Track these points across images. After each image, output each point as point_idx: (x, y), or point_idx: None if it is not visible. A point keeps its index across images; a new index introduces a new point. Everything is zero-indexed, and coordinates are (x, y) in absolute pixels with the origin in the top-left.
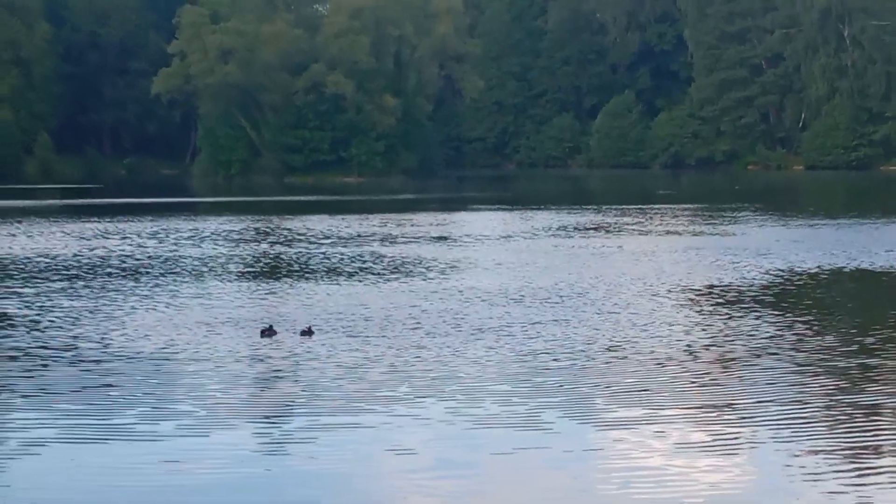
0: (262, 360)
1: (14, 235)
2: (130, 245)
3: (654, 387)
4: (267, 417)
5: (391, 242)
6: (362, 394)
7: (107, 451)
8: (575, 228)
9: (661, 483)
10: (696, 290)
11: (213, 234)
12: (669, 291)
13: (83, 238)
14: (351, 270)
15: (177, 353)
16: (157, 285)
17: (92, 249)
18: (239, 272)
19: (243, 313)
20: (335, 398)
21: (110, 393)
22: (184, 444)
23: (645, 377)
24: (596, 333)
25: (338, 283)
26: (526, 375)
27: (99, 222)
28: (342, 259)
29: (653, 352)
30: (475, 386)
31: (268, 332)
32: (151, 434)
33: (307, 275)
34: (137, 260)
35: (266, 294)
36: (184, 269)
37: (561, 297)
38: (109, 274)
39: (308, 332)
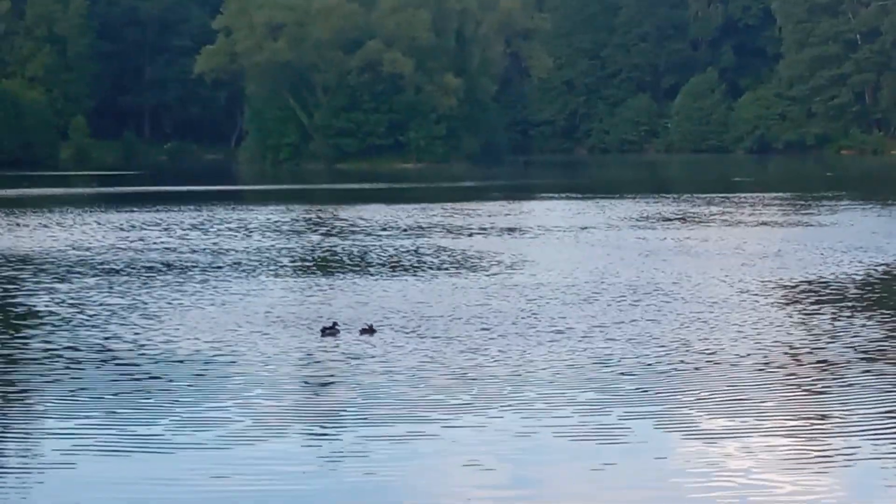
0: (314, 363)
1: (47, 226)
2: (171, 237)
3: (747, 394)
4: (320, 427)
5: (453, 234)
6: (425, 401)
7: (144, 463)
8: (654, 219)
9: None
10: (789, 286)
11: (260, 224)
12: (761, 288)
13: (120, 229)
14: (410, 265)
15: (221, 355)
16: (200, 281)
17: (130, 242)
18: (289, 266)
19: (294, 311)
20: (395, 405)
21: (149, 399)
22: (228, 456)
23: (738, 384)
24: (682, 335)
25: (396, 279)
26: (605, 381)
27: (137, 212)
28: (400, 252)
29: (746, 356)
30: (550, 393)
31: (330, 330)
32: (193, 445)
33: (363, 269)
34: (179, 253)
35: (318, 290)
36: (229, 264)
37: (641, 294)
38: (148, 268)
39: (369, 331)
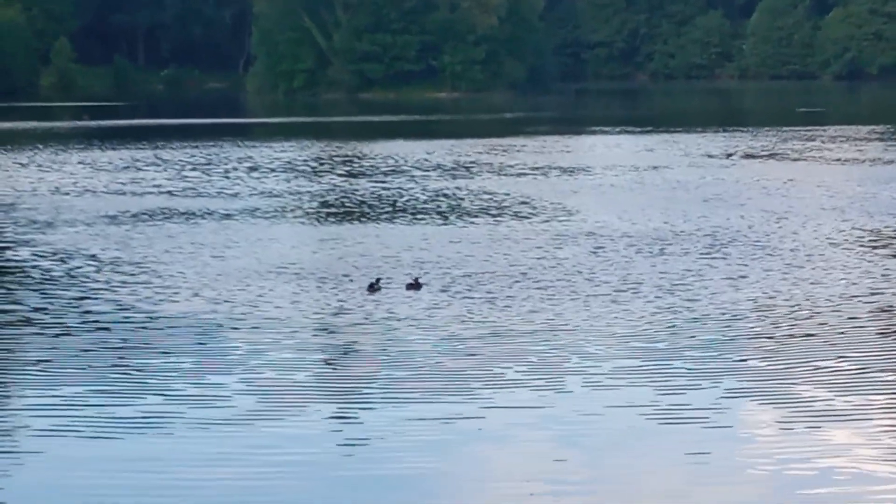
0: (337, 327)
1: (25, 166)
2: (169, 179)
3: (857, 364)
4: (342, 406)
5: (495, 174)
6: (471, 374)
7: (132, 445)
8: (728, 156)
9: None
10: (889, 236)
11: (271, 164)
12: (856, 238)
13: (111, 169)
14: (446, 210)
15: (226, 318)
16: (203, 230)
17: (122, 184)
18: (305, 213)
19: (312, 265)
20: (431, 379)
21: (144, 370)
22: (231, 439)
23: (843, 352)
24: (769, 293)
25: (431, 226)
26: (679, 348)
27: (130, 149)
28: (435, 196)
29: (850, 319)
30: (620, 364)
31: (373, 286)
32: (191, 423)
33: (391, 216)
34: (178, 198)
35: (339, 241)
36: (236, 210)
37: (717, 245)
38: (143, 216)
39: (415, 286)
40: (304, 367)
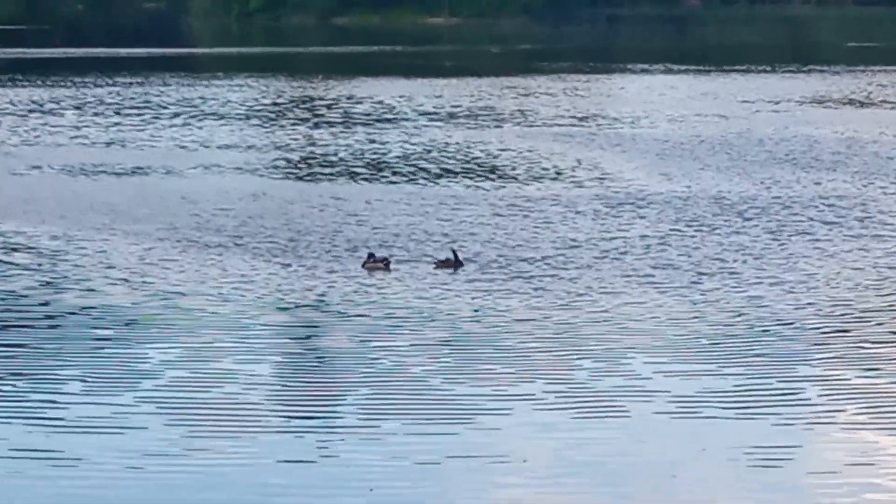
0: (308, 319)
1: None
2: (96, 124)
3: None
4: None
5: (507, 124)
6: (499, 378)
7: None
8: (802, 102)
9: None
10: None
11: (223, 107)
12: None
13: (16, 112)
14: (447, 169)
15: (179, 304)
16: (137, 188)
17: (30, 132)
18: (267, 170)
19: (274, 233)
20: (451, 393)
21: (55, 361)
22: (146, 447)
23: None
24: (859, 273)
25: (427, 187)
26: (754, 341)
27: (42, 86)
28: (429, 150)
29: None
30: (685, 358)
31: (375, 261)
32: (99, 427)
33: (373, 175)
34: (107, 148)
35: (309, 203)
36: (179, 166)
37: (790, 215)
38: (59, 173)
39: (453, 263)
40: (265, 376)
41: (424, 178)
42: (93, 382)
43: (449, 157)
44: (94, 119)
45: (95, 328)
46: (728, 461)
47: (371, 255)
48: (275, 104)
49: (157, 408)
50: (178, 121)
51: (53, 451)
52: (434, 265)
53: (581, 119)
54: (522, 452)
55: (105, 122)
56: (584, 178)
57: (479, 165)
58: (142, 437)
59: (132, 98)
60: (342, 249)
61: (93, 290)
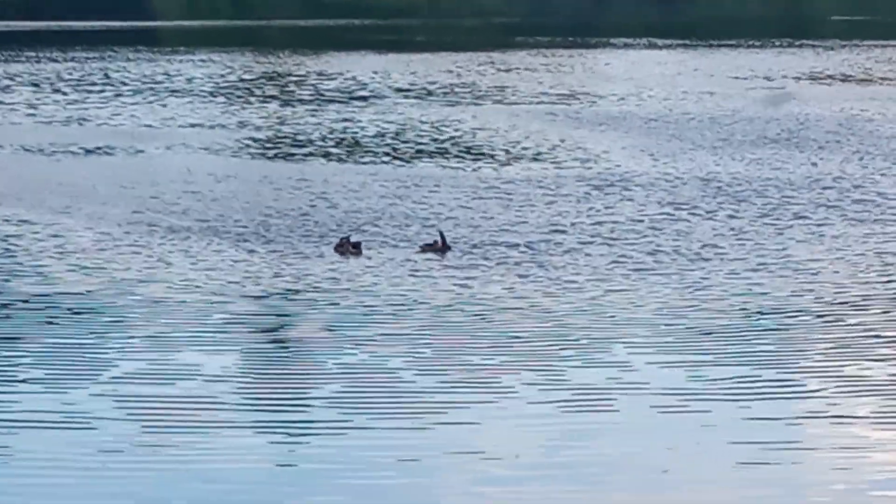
0: (283, 319)
1: None
2: (52, 102)
3: None
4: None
5: (487, 101)
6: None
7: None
8: (798, 78)
9: None
10: None
11: (188, 83)
12: None
13: None
14: (423, 147)
15: (140, 291)
16: (95, 172)
17: None
18: (235, 150)
19: (245, 218)
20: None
21: (22, 359)
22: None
23: None
24: (844, 263)
25: (403, 168)
26: (749, 330)
27: None
28: (405, 128)
29: None
30: (699, 359)
31: (347, 245)
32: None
33: (350, 153)
34: (61, 128)
35: (280, 184)
36: (143, 143)
37: (784, 198)
38: (18, 151)
39: (439, 247)
40: (231, 368)
41: (399, 159)
42: (45, 374)
43: (425, 137)
44: (51, 96)
45: (49, 316)
46: (722, 455)
47: (344, 239)
48: (242, 80)
49: (115, 402)
50: (139, 98)
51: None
52: (419, 248)
53: (564, 96)
54: (509, 447)
55: (63, 99)
56: (567, 159)
57: (457, 145)
58: (97, 433)
59: (91, 74)
60: (313, 233)
61: (47, 275)
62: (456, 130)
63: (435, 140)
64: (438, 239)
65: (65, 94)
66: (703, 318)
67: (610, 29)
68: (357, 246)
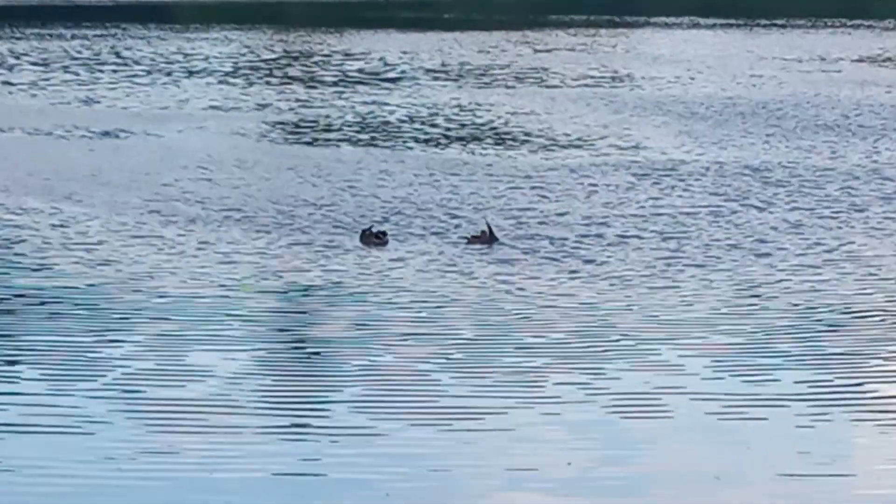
0: (304, 316)
1: None
2: (60, 82)
3: None
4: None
5: (519, 82)
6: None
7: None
8: (849, 60)
9: None
10: None
11: (205, 62)
12: None
13: None
14: (454, 132)
15: (151, 285)
16: (107, 156)
17: None
18: (255, 131)
19: (265, 206)
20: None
21: (23, 358)
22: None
23: None
24: None
25: (432, 154)
26: (810, 332)
27: (0, 38)
28: (435, 112)
29: None
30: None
31: (374, 237)
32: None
33: (377, 138)
34: (74, 109)
35: (302, 171)
36: (156, 126)
37: (841, 189)
38: (24, 134)
39: (485, 238)
40: (249, 369)
41: (430, 144)
42: (45, 374)
43: (457, 121)
44: (59, 76)
45: (51, 312)
46: (781, 465)
47: (367, 230)
48: (262, 60)
49: (120, 405)
50: (153, 78)
51: None
52: (466, 240)
53: (603, 79)
54: (552, 456)
55: (71, 78)
56: (609, 146)
57: (492, 130)
58: (100, 438)
59: (101, 52)
60: (339, 224)
61: (51, 267)
62: (490, 115)
63: (467, 125)
64: (486, 229)
65: (74, 73)
66: (762, 317)
67: (651, 7)
68: (382, 235)
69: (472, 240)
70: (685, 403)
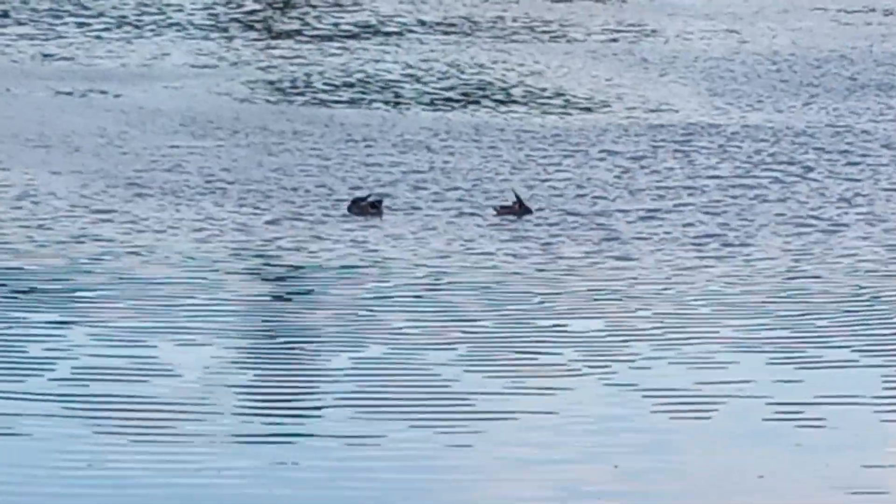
0: (289, 299)
1: None
2: (21, 37)
3: None
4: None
5: (531, 37)
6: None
7: None
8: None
9: None
10: None
11: (181, 13)
12: None
13: None
14: (462, 91)
15: (117, 263)
16: (75, 117)
17: None
18: (238, 89)
19: (249, 174)
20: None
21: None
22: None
23: None
24: None
25: (437, 115)
26: (870, 321)
27: None
28: (439, 69)
29: None
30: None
31: (363, 204)
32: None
33: (374, 98)
34: (38, 65)
35: (290, 134)
36: (128, 85)
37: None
38: None
39: (515, 209)
40: (226, 360)
41: (433, 105)
42: None
43: (462, 80)
44: (21, 30)
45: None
46: (838, 475)
47: (364, 199)
48: (245, 12)
49: (76, 404)
50: (122, 32)
51: None
52: (495, 212)
53: (625, 32)
54: (582, 459)
55: (34, 32)
56: (634, 107)
57: (502, 90)
58: (54, 443)
59: (63, 2)
60: (330, 193)
61: (8, 245)
62: (500, 72)
63: (473, 84)
64: (515, 200)
65: (37, 26)
66: (819, 303)
67: None
68: (377, 205)
69: (502, 210)
70: (729, 401)
